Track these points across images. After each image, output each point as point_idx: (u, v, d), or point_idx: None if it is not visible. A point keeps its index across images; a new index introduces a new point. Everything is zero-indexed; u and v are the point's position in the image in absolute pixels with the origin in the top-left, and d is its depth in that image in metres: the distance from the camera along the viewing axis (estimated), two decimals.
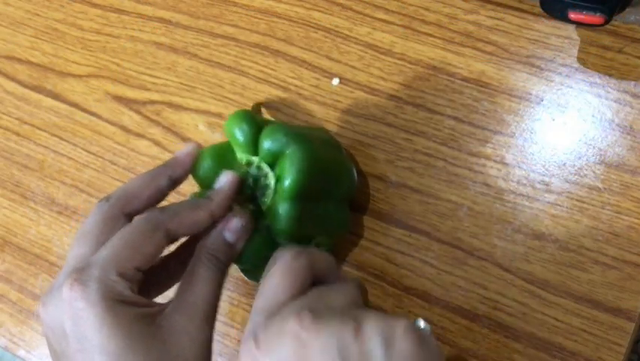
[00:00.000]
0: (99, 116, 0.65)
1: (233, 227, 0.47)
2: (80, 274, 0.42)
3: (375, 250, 0.54)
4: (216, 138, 0.60)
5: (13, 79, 0.69)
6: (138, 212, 0.47)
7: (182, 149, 0.50)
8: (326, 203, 0.51)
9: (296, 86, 0.59)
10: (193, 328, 0.44)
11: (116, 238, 0.44)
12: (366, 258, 0.54)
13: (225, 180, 0.49)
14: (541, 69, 0.52)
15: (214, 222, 0.47)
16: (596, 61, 0.51)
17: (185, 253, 0.49)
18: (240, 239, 0.48)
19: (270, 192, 0.50)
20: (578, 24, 0.50)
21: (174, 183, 0.49)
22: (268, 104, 0.59)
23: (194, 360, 0.43)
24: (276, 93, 0.59)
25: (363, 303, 0.43)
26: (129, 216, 0.47)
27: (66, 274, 0.43)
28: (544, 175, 0.51)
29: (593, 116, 0.51)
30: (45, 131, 0.66)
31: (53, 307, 0.43)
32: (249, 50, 0.61)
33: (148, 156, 0.62)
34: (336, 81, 0.57)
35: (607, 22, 0.48)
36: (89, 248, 0.45)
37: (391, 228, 0.54)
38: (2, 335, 0.63)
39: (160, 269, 0.49)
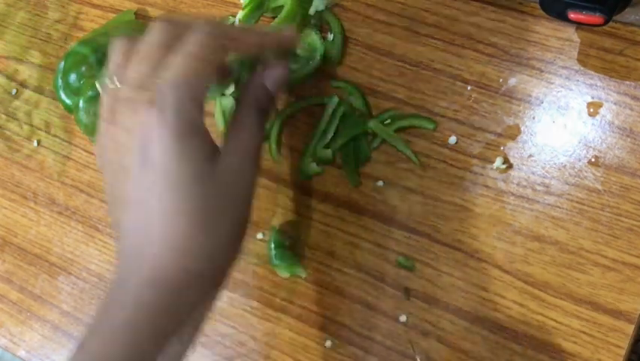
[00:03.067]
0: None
1: (272, 75, 0.50)
2: (157, 97, 0.43)
3: (375, 251, 0.54)
4: None
5: (13, 79, 0.69)
6: None
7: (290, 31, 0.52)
8: None
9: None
10: (246, 167, 0.47)
11: (179, 62, 0.44)
12: (366, 259, 0.54)
13: (289, 30, 0.52)
14: (542, 71, 0.52)
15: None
16: (596, 63, 0.51)
17: None
18: (279, 87, 0.51)
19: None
20: (578, 24, 0.50)
21: (264, 49, 0.51)
22: None
23: (246, 196, 0.47)
24: None
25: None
26: None
27: (130, 89, 0.44)
28: (544, 177, 0.51)
29: (592, 118, 0.51)
30: (45, 131, 0.66)
31: (125, 124, 0.44)
32: None
33: None
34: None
35: (607, 22, 0.48)
36: (148, 68, 0.44)
37: (392, 229, 0.54)
38: (2, 335, 0.63)
39: None
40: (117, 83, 0.45)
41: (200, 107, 0.45)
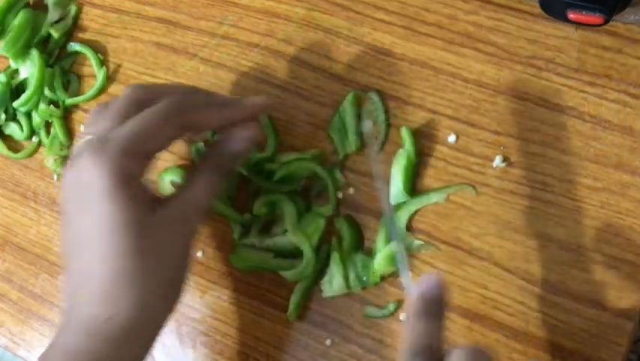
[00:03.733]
0: None
1: (240, 136, 0.50)
2: (99, 145, 0.45)
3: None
4: None
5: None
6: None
7: (253, 98, 0.52)
8: None
9: (296, 86, 0.59)
10: (186, 220, 0.48)
11: (136, 118, 0.47)
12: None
13: (257, 98, 0.52)
14: (541, 69, 0.52)
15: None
16: (596, 61, 0.51)
17: None
18: (245, 150, 0.51)
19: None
20: (578, 24, 0.51)
21: (226, 123, 0.51)
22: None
23: (182, 248, 0.48)
24: (276, 93, 0.59)
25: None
26: None
27: (87, 141, 0.47)
28: (543, 175, 0.51)
29: (592, 117, 0.51)
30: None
31: (72, 169, 0.47)
32: (250, 51, 0.61)
33: None
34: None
35: (606, 22, 0.48)
36: (112, 123, 0.47)
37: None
38: (3, 334, 0.63)
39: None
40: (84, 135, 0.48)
41: (141, 163, 0.47)
